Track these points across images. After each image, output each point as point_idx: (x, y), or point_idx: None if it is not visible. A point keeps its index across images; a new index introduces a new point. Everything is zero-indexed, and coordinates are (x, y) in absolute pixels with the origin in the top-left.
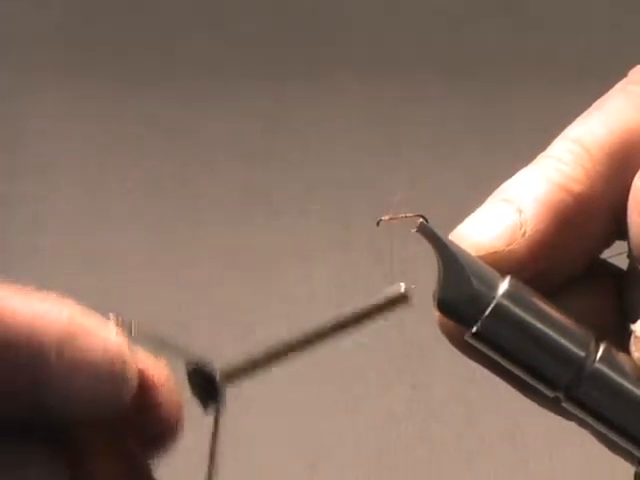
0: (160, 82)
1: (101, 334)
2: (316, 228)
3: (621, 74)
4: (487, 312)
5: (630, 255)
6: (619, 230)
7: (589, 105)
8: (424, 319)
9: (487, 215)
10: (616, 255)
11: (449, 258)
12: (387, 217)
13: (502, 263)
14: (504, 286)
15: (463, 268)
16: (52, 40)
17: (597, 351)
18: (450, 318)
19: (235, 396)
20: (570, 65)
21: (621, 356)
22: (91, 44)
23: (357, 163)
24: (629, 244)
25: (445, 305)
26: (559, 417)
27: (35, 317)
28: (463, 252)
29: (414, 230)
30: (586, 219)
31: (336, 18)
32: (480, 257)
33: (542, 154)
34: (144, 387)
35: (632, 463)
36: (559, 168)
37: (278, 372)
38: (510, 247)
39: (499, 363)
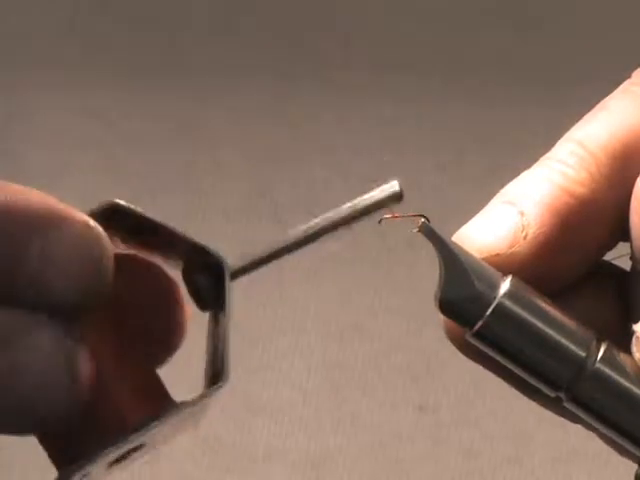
0: (165, 79)
1: (78, 219)
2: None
3: (625, 75)
4: (488, 312)
5: (633, 257)
6: (622, 232)
7: (592, 107)
8: (432, 339)
9: (489, 217)
10: (620, 257)
11: (450, 258)
12: (389, 216)
13: (504, 265)
14: (505, 286)
15: (464, 268)
16: (56, 35)
17: (598, 351)
18: (451, 318)
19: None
20: (571, 65)
21: (622, 356)
22: (95, 40)
23: (362, 162)
24: (631, 246)
25: (446, 305)
26: (567, 440)
27: (16, 200)
28: (464, 252)
29: (416, 230)
30: (589, 221)
31: (344, 17)
32: (482, 259)
33: (545, 156)
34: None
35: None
36: (562, 170)
37: (284, 384)
38: (512, 250)
39: (501, 364)
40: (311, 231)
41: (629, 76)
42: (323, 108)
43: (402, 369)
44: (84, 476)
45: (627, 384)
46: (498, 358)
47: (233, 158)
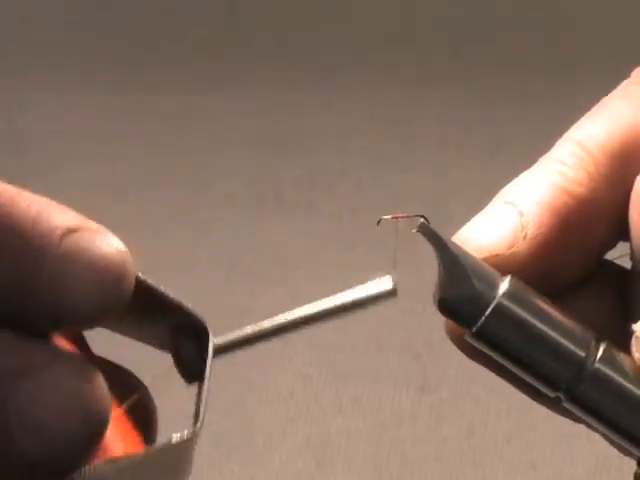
0: (168, 73)
1: (106, 235)
2: (324, 224)
3: (624, 74)
4: (488, 312)
5: (632, 256)
6: (622, 231)
7: (595, 90)
8: (433, 320)
9: (489, 218)
10: (620, 257)
11: (449, 258)
12: (388, 216)
13: (504, 266)
14: (505, 286)
15: (464, 268)
16: (59, 31)
17: (597, 351)
18: (451, 318)
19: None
20: (571, 66)
21: (622, 356)
22: (98, 35)
23: (367, 159)
24: (631, 245)
25: (445, 305)
26: (568, 420)
27: (45, 209)
28: (464, 252)
29: (415, 230)
30: (588, 221)
31: (346, 14)
32: (482, 259)
33: (544, 156)
34: None
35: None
36: (561, 170)
37: (285, 369)
38: (512, 250)
39: (501, 364)
40: (301, 318)
41: (628, 75)
42: (325, 92)
43: (403, 350)
44: None
45: (626, 384)
46: (498, 358)
47: (236, 146)
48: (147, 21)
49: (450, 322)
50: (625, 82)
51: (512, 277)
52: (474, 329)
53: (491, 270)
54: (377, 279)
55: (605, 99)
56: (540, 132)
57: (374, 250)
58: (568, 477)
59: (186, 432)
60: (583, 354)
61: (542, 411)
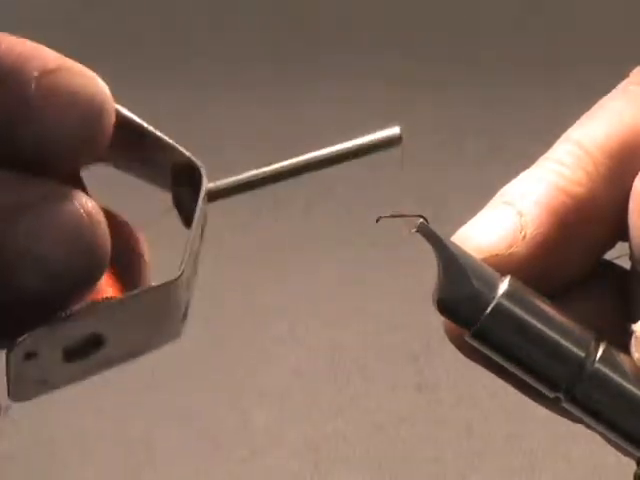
0: (167, 72)
1: (85, 71)
2: (322, 223)
3: (624, 74)
4: (487, 312)
5: (632, 256)
6: (621, 231)
7: (593, 92)
8: (431, 322)
9: (488, 218)
10: (619, 257)
11: (449, 258)
12: (387, 215)
13: (503, 266)
14: (504, 286)
15: (463, 268)
16: (57, 28)
17: (597, 351)
18: (450, 318)
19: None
20: (572, 66)
21: (621, 356)
22: (98, 33)
23: (366, 159)
24: (630, 246)
25: (445, 305)
26: (565, 421)
27: (23, 50)
28: (463, 252)
29: (414, 230)
30: (587, 221)
31: (344, 12)
32: (481, 260)
33: (543, 156)
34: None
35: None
36: (559, 171)
37: (283, 369)
38: (511, 250)
39: (500, 364)
40: (303, 162)
41: (627, 75)
42: (323, 93)
43: (400, 350)
44: (32, 356)
45: (626, 384)
46: (497, 359)
47: (233, 146)
48: (147, 21)
49: (449, 322)
50: (624, 82)
51: (511, 277)
52: (473, 329)
53: (490, 270)
54: (385, 129)
55: (604, 99)
56: (539, 133)
57: (373, 251)
58: (566, 478)
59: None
60: (583, 354)
61: (540, 413)
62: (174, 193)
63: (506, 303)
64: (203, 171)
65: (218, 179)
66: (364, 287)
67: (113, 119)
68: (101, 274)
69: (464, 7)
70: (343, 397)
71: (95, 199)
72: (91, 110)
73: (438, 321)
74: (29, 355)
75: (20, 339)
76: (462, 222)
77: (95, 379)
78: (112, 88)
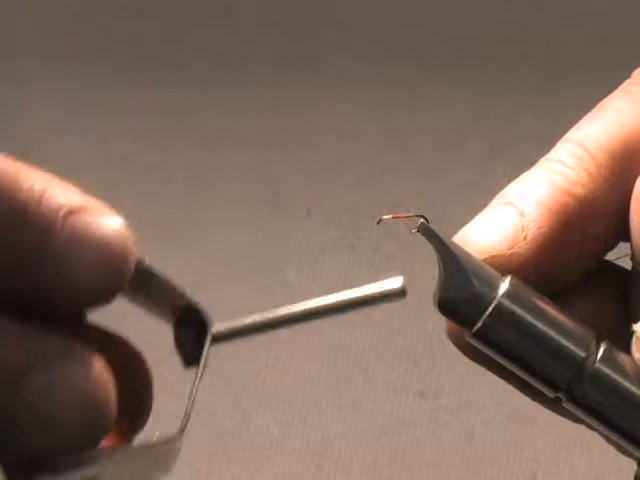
0: (167, 72)
1: (109, 214)
2: (323, 226)
3: (625, 75)
4: (488, 312)
5: (633, 257)
6: (623, 232)
7: (595, 95)
8: (433, 325)
9: (489, 218)
10: (620, 257)
11: (449, 258)
12: (388, 216)
13: (504, 266)
14: (505, 286)
15: (464, 268)
16: (58, 30)
17: (598, 351)
18: (450, 318)
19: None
20: (576, 54)
21: (622, 356)
22: (96, 34)
23: (365, 160)
24: (632, 246)
25: (445, 305)
26: (568, 427)
27: (48, 188)
28: (464, 252)
29: (414, 230)
30: (589, 222)
31: (343, 3)
32: (482, 260)
33: (545, 157)
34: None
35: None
36: (561, 171)
37: (285, 374)
38: (512, 250)
39: (501, 364)
40: (306, 311)
41: (629, 76)
42: (322, 95)
43: (403, 355)
44: None
45: (627, 384)
46: (498, 359)
47: (233, 146)
48: (147, 21)
49: (450, 323)
50: (626, 83)
51: (512, 277)
52: (474, 329)
53: (491, 270)
54: (388, 279)
55: (605, 100)
56: (539, 135)
57: (375, 255)
58: None
59: (172, 432)
60: (583, 354)
61: (542, 420)
62: (176, 331)
63: (507, 303)
64: (209, 318)
65: (215, 182)
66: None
67: (134, 262)
68: (105, 435)
69: (464, 8)
70: (345, 401)
71: (112, 327)
72: (114, 258)
73: (440, 327)
74: None
75: None
76: (463, 224)
77: None
78: (112, 88)
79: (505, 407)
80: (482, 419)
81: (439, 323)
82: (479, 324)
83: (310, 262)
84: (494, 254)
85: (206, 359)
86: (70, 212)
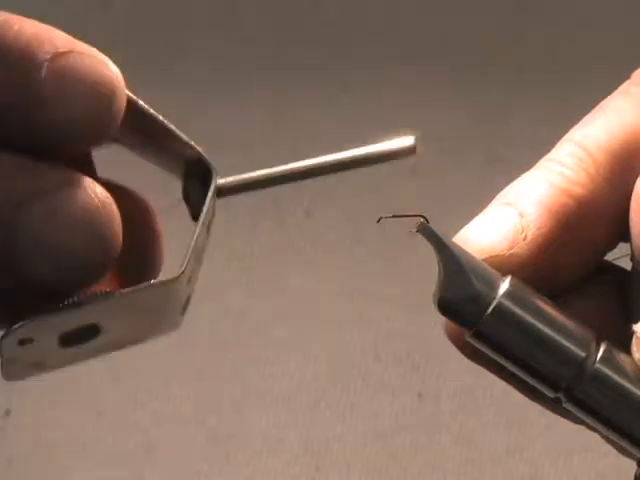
0: (166, 73)
1: (97, 55)
2: (322, 229)
3: (626, 76)
4: (488, 312)
5: (633, 257)
6: (623, 232)
7: (595, 103)
8: (433, 328)
9: (489, 219)
10: (620, 257)
11: (449, 258)
12: (388, 216)
13: (504, 266)
14: (505, 286)
15: (463, 268)
16: (57, 28)
17: (598, 351)
18: (450, 318)
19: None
20: (573, 67)
21: (622, 356)
22: (95, 36)
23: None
24: (632, 246)
25: (445, 305)
26: (568, 431)
27: (37, 31)
28: (464, 252)
29: (415, 230)
30: (588, 222)
31: (344, 8)
32: (482, 260)
33: (545, 157)
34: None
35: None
36: (561, 171)
37: (284, 375)
38: (512, 251)
39: (501, 364)
40: (313, 165)
41: (629, 77)
42: (322, 99)
43: (402, 358)
44: (28, 341)
45: (627, 385)
46: (498, 359)
47: (233, 153)
48: (146, 22)
49: (449, 323)
50: (626, 83)
51: (512, 277)
52: (474, 329)
53: (491, 270)
54: (399, 138)
55: (606, 100)
56: (540, 143)
57: (374, 258)
58: None
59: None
60: (583, 354)
61: (541, 423)
62: (184, 185)
63: (507, 303)
64: (214, 168)
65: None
66: (365, 294)
67: (124, 102)
68: (111, 265)
69: (464, 14)
70: (344, 404)
71: (112, 176)
72: (103, 92)
73: (440, 329)
74: (24, 341)
75: (15, 326)
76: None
77: (96, 383)
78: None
79: (504, 410)
80: (481, 422)
81: (439, 325)
82: (479, 324)
83: (309, 265)
84: (494, 254)
85: (211, 211)
86: (57, 54)
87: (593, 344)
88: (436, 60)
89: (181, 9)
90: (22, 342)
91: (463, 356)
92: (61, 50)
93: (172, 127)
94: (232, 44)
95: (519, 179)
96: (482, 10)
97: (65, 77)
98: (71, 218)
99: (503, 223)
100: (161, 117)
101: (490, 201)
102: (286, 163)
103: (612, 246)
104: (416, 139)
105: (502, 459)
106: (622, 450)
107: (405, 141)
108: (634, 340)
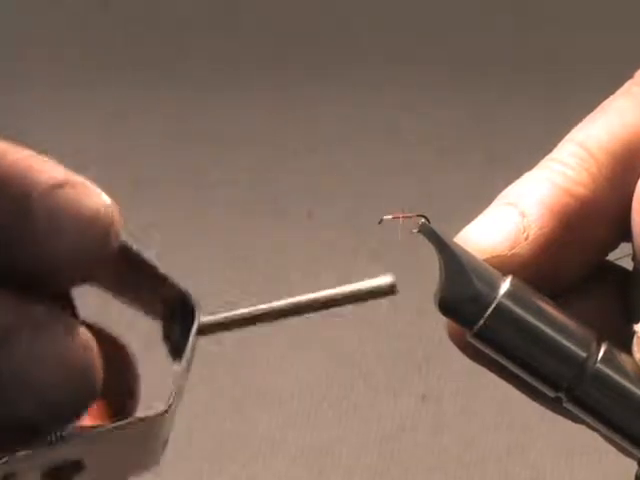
0: (168, 75)
1: (92, 190)
2: (323, 231)
3: (627, 75)
4: (488, 312)
5: (634, 257)
6: (624, 232)
7: (595, 104)
8: (435, 329)
9: (491, 218)
10: (622, 257)
11: (450, 258)
12: (389, 216)
13: (505, 267)
14: (505, 286)
15: (464, 268)
16: (58, 34)
17: (599, 351)
18: (451, 318)
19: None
20: (574, 67)
21: (623, 356)
22: (97, 37)
23: (365, 165)
24: (633, 246)
25: (446, 305)
26: (569, 432)
27: (32, 163)
28: (465, 252)
29: (416, 230)
30: (590, 222)
31: (346, 11)
32: (483, 260)
33: (546, 157)
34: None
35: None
36: (563, 172)
37: (286, 376)
38: (513, 251)
39: (502, 365)
40: (295, 305)
41: (631, 76)
42: (323, 99)
43: (405, 358)
44: (11, 476)
45: (628, 385)
46: (498, 359)
47: (234, 149)
48: (146, 22)
49: (451, 323)
50: (628, 83)
51: (513, 277)
52: (475, 329)
53: (492, 270)
54: (378, 277)
55: (608, 100)
56: (540, 144)
57: (375, 259)
58: None
59: (155, 410)
60: (584, 354)
61: (543, 425)
62: (164, 324)
63: (508, 303)
64: (197, 307)
65: (215, 185)
66: None
67: (118, 238)
68: (93, 402)
69: (465, 15)
70: (346, 405)
71: (92, 317)
72: (96, 233)
73: (442, 330)
74: (7, 477)
75: (0, 462)
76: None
77: None
78: (111, 90)
79: (506, 412)
80: (483, 424)
81: (441, 326)
82: (480, 324)
83: (311, 265)
84: (495, 254)
85: (193, 351)
86: (53, 187)
87: (594, 344)
88: (436, 60)
89: (181, 9)
90: (5, 478)
91: (465, 358)
92: (56, 182)
93: (154, 263)
94: (232, 44)
95: (520, 179)
96: (482, 10)
97: (56, 214)
98: (53, 355)
99: (504, 223)
100: (143, 252)
101: (490, 201)
102: (286, 163)
103: (614, 246)
104: (393, 278)
105: (503, 460)
106: (623, 450)
107: (384, 280)
108: (635, 340)
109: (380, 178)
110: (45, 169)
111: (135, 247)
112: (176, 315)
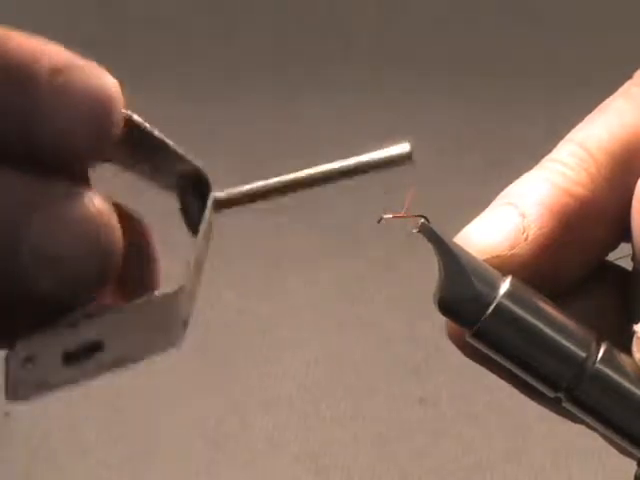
0: (165, 79)
1: (96, 69)
2: (322, 234)
3: (626, 76)
4: (488, 312)
5: (634, 257)
6: (624, 232)
7: (594, 107)
8: (433, 332)
9: (490, 219)
10: (622, 257)
11: (450, 258)
12: (389, 215)
13: (505, 267)
14: (505, 286)
15: (464, 268)
16: (57, 30)
17: (598, 352)
18: (451, 318)
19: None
20: (574, 67)
21: (622, 357)
22: (95, 40)
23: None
24: (632, 246)
25: (446, 305)
26: (568, 435)
27: (37, 47)
28: (464, 252)
29: (415, 230)
30: (590, 222)
31: (345, 14)
32: (483, 260)
33: (546, 158)
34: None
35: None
36: (563, 172)
37: (285, 378)
38: (513, 251)
39: (502, 365)
40: (311, 175)
41: (630, 77)
42: (322, 104)
43: (403, 362)
44: (31, 359)
45: (627, 385)
46: (498, 359)
47: (233, 153)
48: (146, 23)
49: (450, 323)
50: (627, 83)
51: (512, 277)
52: (474, 329)
53: (492, 270)
54: (395, 145)
55: (607, 100)
56: (539, 148)
57: (374, 262)
58: None
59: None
60: (584, 355)
61: (542, 428)
62: (181, 200)
63: (507, 303)
64: (210, 181)
65: (217, 186)
66: (366, 299)
67: (122, 116)
68: (112, 276)
69: (464, 21)
70: (344, 408)
71: (110, 195)
72: (102, 107)
73: (441, 333)
74: (28, 359)
75: (20, 343)
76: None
77: (94, 384)
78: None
79: (505, 415)
80: (482, 426)
81: (439, 329)
82: (479, 324)
83: (309, 267)
84: (495, 254)
85: (209, 226)
86: (56, 70)
87: (593, 344)
88: (435, 63)
89: (181, 11)
90: (26, 360)
91: (463, 361)
92: (60, 65)
93: (169, 141)
94: (232, 46)
95: (520, 179)
96: (482, 13)
97: (63, 92)
98: (72, 229)
99: (504, 223)
100: (157, 131)
101: (489, 203)
102: (286, 164)
103: (613, 246)
104: (412, 145)
105: (502, 464)
106: (622, 450)
107: (401, 148)
108: (635, 340)
109: (378, 182)
110: (50, 51)
111: (147, 125)
112: (192, 189)
